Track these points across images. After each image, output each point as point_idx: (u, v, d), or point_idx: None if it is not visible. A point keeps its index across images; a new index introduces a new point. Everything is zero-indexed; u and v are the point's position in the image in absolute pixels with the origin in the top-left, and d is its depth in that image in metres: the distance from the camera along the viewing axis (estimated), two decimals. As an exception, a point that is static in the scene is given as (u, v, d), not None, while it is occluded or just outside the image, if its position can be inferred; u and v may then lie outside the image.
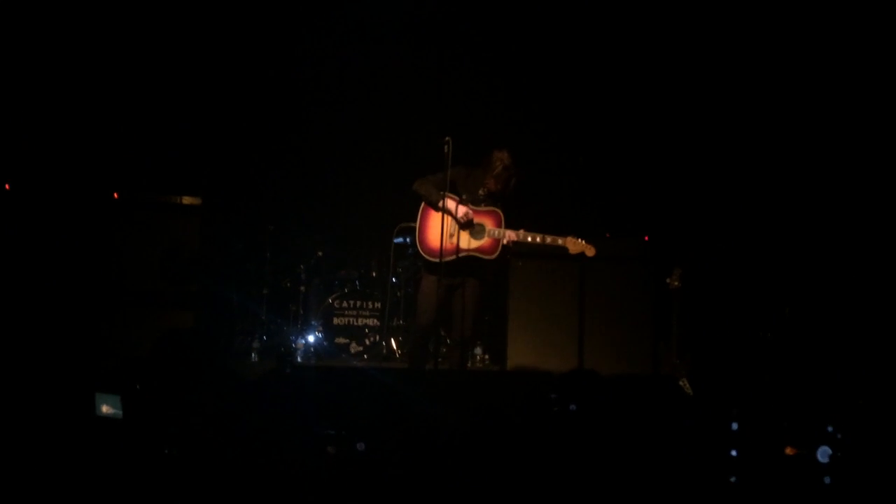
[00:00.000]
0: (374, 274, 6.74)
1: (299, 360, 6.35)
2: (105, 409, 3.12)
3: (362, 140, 7.09)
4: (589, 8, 6.78)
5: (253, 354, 6.29)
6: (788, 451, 3.33)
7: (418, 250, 4.92)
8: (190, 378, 3.07)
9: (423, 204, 4.93)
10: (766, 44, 6.29)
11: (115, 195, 5.77)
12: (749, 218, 6.40)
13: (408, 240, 6.26)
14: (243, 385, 3.59)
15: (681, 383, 5.66)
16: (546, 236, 4.82)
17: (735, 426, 3.21)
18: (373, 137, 7.06)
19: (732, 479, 3.26)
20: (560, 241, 4.83)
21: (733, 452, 3.28)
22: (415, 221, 4.94)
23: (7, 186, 5.64)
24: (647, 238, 6.14)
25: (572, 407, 3.09)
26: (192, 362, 3.19)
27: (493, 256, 4.83)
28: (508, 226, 4.84)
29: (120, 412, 3.11)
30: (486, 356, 6.62)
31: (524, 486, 3.17)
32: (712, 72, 6.55)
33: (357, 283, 6.70)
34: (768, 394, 4.86)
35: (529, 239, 4.82)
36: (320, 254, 6.80)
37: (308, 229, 6.93)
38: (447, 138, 4.62)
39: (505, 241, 4.82)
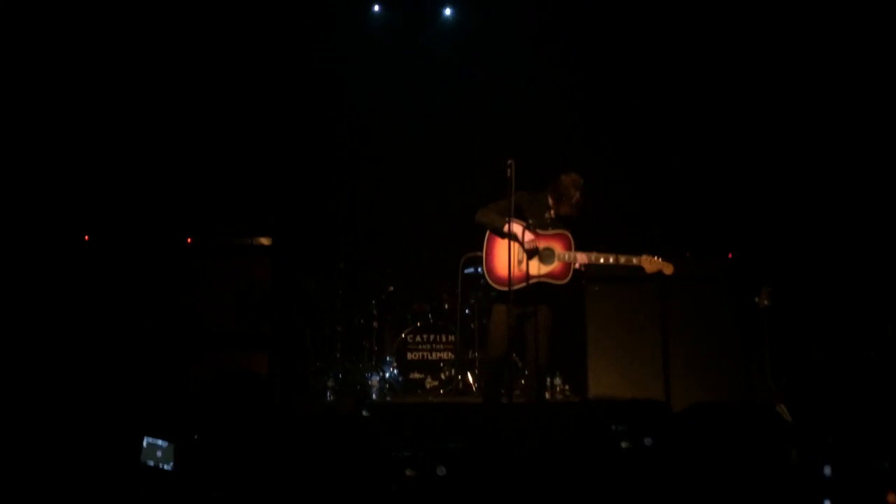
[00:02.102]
0: (446, 306, 6.60)
1: (374, 396, 6.25)
2: (156, 455, 3.02)
3: (426, 171, 7.04)
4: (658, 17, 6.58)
5: (328, 393, 6.24)
6: (891, 498, 2.88)
7: (487, 280, 4.77)
8: (246, 421, 2.98)
9: (487, 233, 4.79)
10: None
11: (189, 240, 5.86)
12: (842, 226, 5.98)
13: (478, 269, 6.12)
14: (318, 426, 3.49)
15: (778, 409, 5.28)
16: (619, 256, 4.61)
17: (828, 471, 2.77)
18: (436, 168, 7.00)
19: None
20: (635, 261, 4.61)
21: (827, 503, 2.85)
22: (481, 251, 4.80)
23: (87, 238, 5.80)
24: (730, 255, 5.82)
25: (647, 441, 2.83)
26: (245, 405, 3.10)
27: (565, 281, 4.65)
28: (579, 248, 4.64)
29: (170, 461, 3.01)
30: (567, 386, 6.36)
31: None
32: (797, 79, 6.23)
33: (430, 316, 6.59)
34: (870, 426, 4.42)
35: (602, 260, 4.61)
36: (392, 289, 6.72)
37: (378, 265, 6.87)
38: (510, 161, 4.48)
39: (576, 265, 4.62)
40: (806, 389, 5.54)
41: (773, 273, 5.67)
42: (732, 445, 3.14)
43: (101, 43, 6.31)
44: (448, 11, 7.13)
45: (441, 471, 3.26)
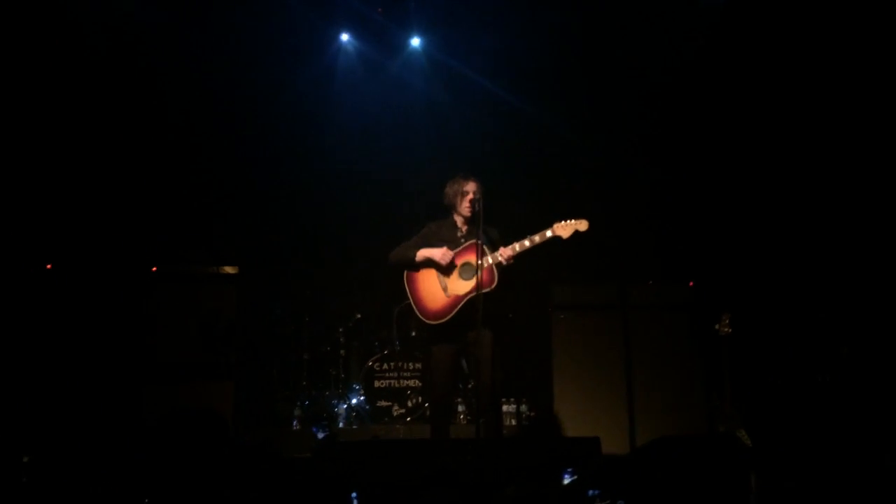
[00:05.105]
0: (413, 334, 6.61)
1: (341, 425, 6.23)
2: None
3: (394, 198, 7.05)
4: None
5: (294, 422, 6.21)
6: None
7: (423, 322, 4.72)
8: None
9: (405, 276, 4.79)
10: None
11: (154, 269, 5.80)
12: (799, 255, 6.14)
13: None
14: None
15: (738, 434, 5.39)
16: (533, 237, 4.53)
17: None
18: (404, 195, 7.00)
19: None
20: (549, 234, 4.52)
21: None
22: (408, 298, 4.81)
23: (49, 266, 5.70)
24: (691, 284, 5.94)
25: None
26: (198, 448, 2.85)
27: (495, 285, 4.55)
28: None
29: None
30: (532, 413, 6.41)
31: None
32: (757, 107, 6.38)
33: (397, 343, 6.59)
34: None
35: (518, 248, 4.54)
36: (359, 316, 6.71)
37: (345, 292, 6.86)
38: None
39: (499, 261, 4.55)
40: (765, 414, 5.66)
41: (732, 300, 5.80)
42: (697, 480, 3.20)
43: (61, 62, 6.22)
44: (416, 41, 7.18)
45: None
